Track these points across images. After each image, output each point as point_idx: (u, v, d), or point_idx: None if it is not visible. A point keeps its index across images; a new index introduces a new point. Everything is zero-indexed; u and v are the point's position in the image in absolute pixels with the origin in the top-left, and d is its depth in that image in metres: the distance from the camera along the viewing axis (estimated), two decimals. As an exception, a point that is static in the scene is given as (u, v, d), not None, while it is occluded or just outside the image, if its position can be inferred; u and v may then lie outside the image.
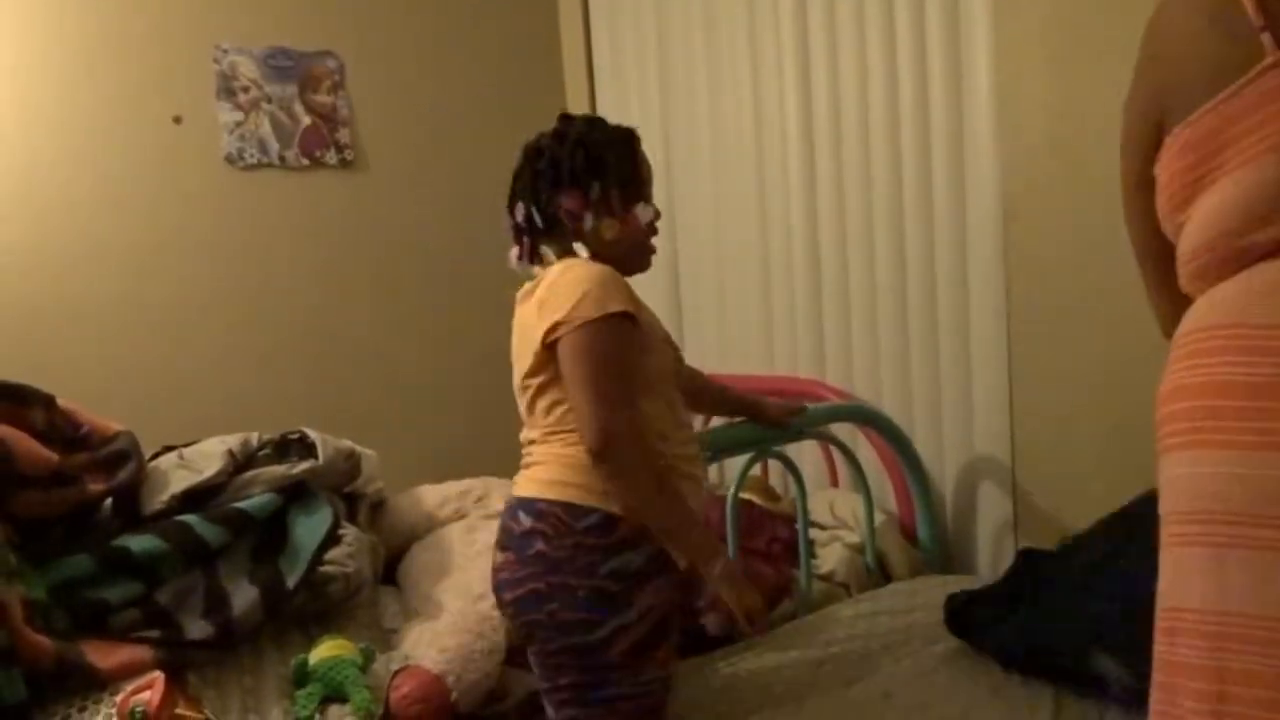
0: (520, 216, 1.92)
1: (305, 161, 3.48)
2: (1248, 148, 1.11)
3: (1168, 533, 1.16)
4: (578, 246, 1.88)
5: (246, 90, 3.37)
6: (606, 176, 1.88)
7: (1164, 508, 1.17)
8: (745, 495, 2.74)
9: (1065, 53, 2.40)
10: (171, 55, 3.25)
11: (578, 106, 4.02)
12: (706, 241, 3.62)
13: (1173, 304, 1.33)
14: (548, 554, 1.76)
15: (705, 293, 3.67)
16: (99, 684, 2.13)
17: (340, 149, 3.54)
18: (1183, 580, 1.13)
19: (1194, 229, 1.18)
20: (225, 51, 3.32)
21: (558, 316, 1.76)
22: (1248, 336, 1.10)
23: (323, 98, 3.50)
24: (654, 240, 1.99)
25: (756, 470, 2.99)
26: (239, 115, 3.36)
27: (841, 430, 3.00)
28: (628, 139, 1.95)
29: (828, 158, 3.13)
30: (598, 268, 1.81)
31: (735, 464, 2.71)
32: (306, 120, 3.48)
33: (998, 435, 2.78)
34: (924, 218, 2.86)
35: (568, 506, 1.78)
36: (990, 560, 2.86)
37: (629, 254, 1.93)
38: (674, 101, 3.66)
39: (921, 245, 2.88)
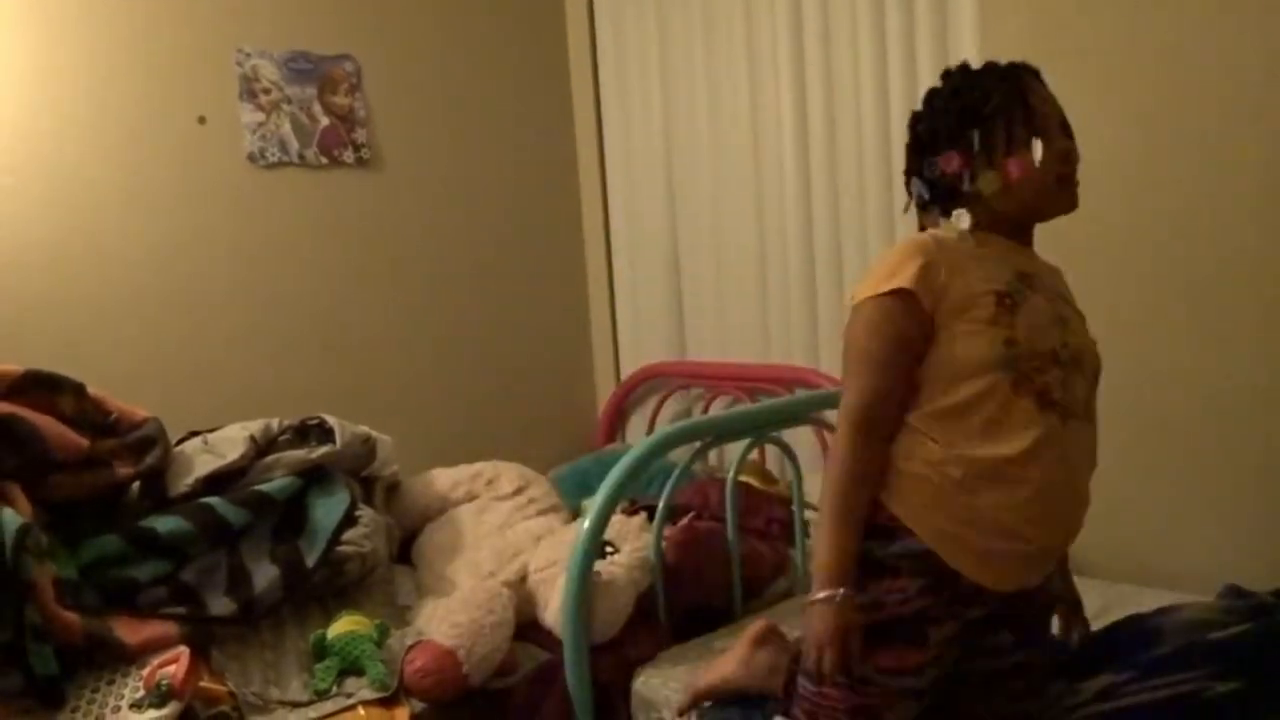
0: (914, 193, 1.72)
1: (324, 160, 3.53)
2: None
3: None
4: (955, 215, 1.66)
5: (268, 92, 3.41)
6: (987, 123, 1.59)
7: None
8: (744, 478, 2.78)
9: (1048, 52, 2.46)
10: (195, 59, 3.28)
11: (582, 105, 4.09)
12: (705, 234, 3.67)
13: None
14: None
15: (704, 283, 3.72)
16: (127, 658, 2.19)
17: (357, 148, 3.60)
18: None
19: None
20: (247, 55, 3.37)
21: (847, 299, 1.66)
22: None
23: (341, 99, 3.56)
24: (1066, 173, 1.61)
25: (754, 455, 3.03)
26: (260, 116, 3.41)
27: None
28: (1014, 75, 1.61)
29: (822, 153, 3.18)
30: (905, 243, 1.62)
31: (735, 449, 2.74)
32: (325, 121, 3.53)
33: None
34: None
35: None
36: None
37: (1028, 202, 1.62)
38: (675, 100, 3.71)
39: (913, 237, 2.93)
